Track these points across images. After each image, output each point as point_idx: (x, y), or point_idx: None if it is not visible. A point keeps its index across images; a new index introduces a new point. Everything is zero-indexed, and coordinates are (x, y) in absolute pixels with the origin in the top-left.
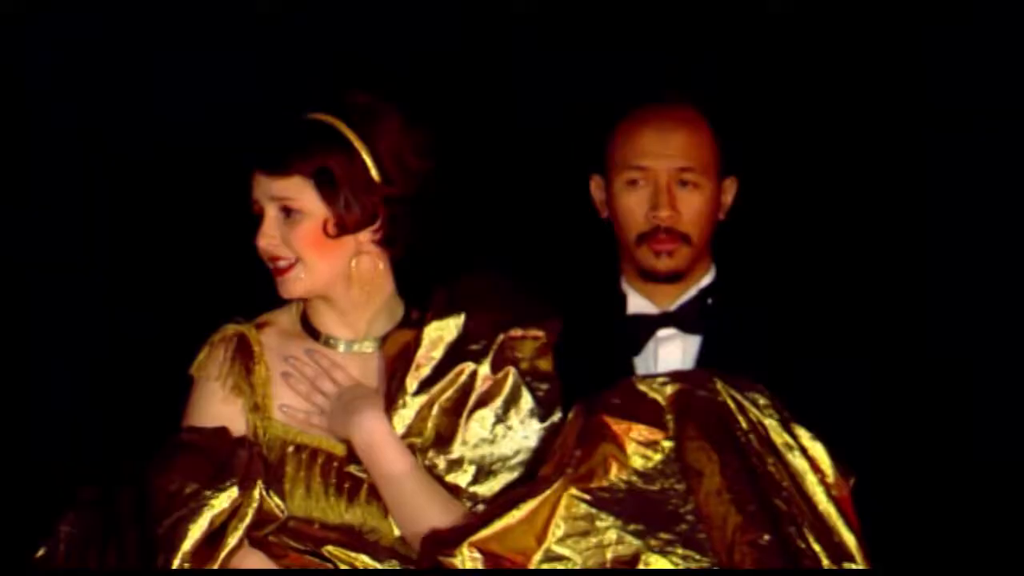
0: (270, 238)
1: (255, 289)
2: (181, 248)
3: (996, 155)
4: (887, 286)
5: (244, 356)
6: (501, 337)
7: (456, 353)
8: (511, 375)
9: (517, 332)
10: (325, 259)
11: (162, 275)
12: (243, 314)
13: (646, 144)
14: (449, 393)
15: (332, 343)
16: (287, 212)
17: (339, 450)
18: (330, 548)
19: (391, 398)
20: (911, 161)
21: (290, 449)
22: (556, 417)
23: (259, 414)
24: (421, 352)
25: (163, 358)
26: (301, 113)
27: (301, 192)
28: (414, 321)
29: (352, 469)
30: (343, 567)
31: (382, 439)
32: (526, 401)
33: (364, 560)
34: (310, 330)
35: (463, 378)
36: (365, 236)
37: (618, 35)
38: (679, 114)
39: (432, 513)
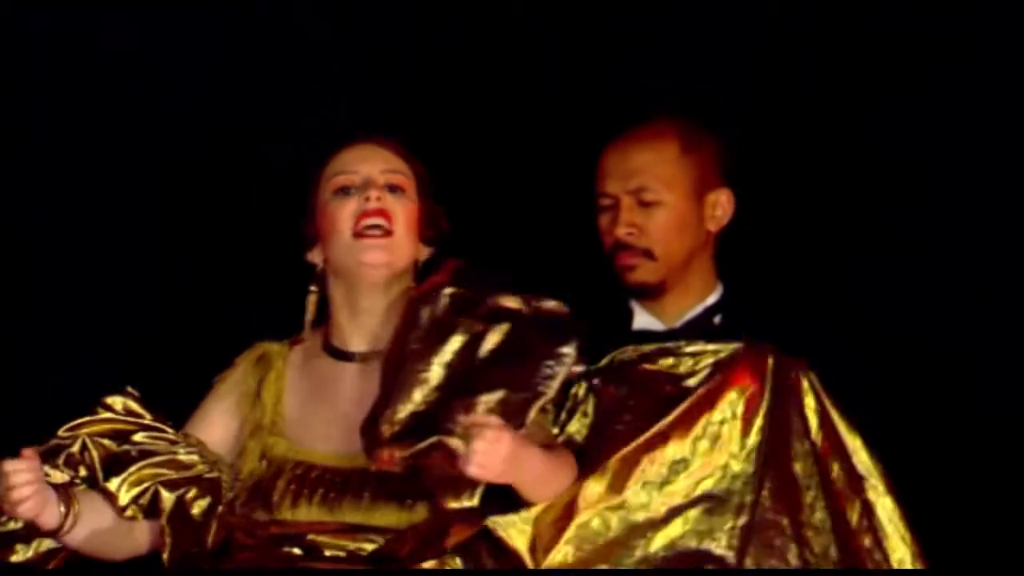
0: (384, 202)
1: (253, 288)
2: (181, 247)
3: (996, 155)
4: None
5: (262, 371)
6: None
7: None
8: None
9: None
10: (410, 240)
11: (163, 275)
12: (239, 311)
13: (607, 167)
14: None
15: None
16: (391, 189)
17: (331, 461)
18: (313, 536)
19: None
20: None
21: (289, 466)
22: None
23: (265, 430)
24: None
25: (163, 358)
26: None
27: (406, 172)
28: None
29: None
30: (328, 553)
31: (531, 470)
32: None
33: (345, 544)
34: (332, 351)
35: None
36: (424, 254)
37: (614, 42)
38: (643, 133)
39: (564, 479)
